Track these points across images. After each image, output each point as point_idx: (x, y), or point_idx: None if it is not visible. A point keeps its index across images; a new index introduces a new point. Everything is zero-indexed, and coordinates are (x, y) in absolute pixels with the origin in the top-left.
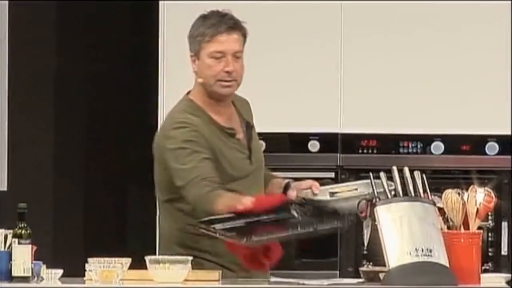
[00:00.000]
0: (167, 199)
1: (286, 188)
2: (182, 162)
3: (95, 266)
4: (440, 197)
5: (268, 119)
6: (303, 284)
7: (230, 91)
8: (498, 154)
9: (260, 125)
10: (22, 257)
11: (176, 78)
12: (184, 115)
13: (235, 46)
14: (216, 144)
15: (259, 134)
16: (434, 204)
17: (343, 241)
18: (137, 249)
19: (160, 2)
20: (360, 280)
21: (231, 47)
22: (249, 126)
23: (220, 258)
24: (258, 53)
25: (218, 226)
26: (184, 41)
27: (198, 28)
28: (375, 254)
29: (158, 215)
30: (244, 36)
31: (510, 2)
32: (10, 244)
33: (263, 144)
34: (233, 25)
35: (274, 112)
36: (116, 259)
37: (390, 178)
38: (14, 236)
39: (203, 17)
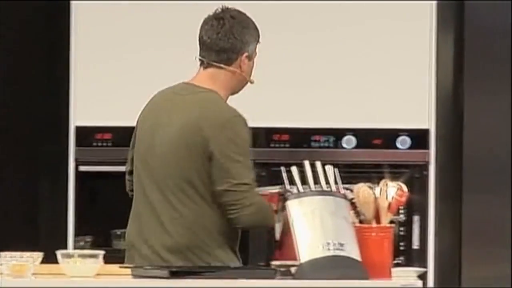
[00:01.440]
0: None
1: None
2: (249, 161)
3: (6, 260)
4: (352, 191)
5: None
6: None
7: None
8: (409, 148)
9: None
10: None
11: (86, 74)
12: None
13: None
14: None
15: None
16: (346, 198)
17: (254, 235)
18: (49, 243)
19: (72, 2)
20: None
21: None
22: None
23: None
24: None
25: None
26: (95, 38)
27: (257, 30)
28: (287, 248)
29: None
30: None
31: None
32: None
33: None
34: None
35: None
36: (28, 253)
37: (302, 172)
38: None
39: (251, 19)
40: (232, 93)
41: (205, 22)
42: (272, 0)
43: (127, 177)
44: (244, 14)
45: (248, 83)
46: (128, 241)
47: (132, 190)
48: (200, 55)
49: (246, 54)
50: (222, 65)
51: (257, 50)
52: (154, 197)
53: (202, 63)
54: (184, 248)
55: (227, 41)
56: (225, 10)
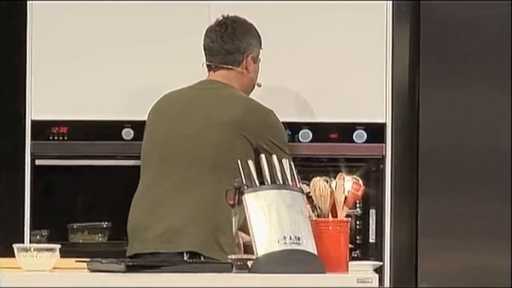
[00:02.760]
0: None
1: None
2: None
3: None
4: (309, 185)
5: None
6: None
7: None
8: (366, 142)
9: None
10: None
11: (43, 68)
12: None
13: None
14: None
15: None
16: (302, 192)
17: None
18: (5, 237)
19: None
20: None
21: None
22: None
23: None
24: None
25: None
26: (51, 31)
27: (258, 35)
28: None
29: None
30: None
31: None
32: None
33: None
34: None
35: None
36: None
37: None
38: None
39: (252, 24)
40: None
41: (209, 30)
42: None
43: None
44: (245, 20)
45: (256, 87)
46: (136, 225)
47: None
48: (207, 60)
49: (251, 55)
50: (229, 66)
51: (260, 56)
52: (172, 181)
53: (210, 68)
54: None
55: (231, 43)
56: (226, 17)
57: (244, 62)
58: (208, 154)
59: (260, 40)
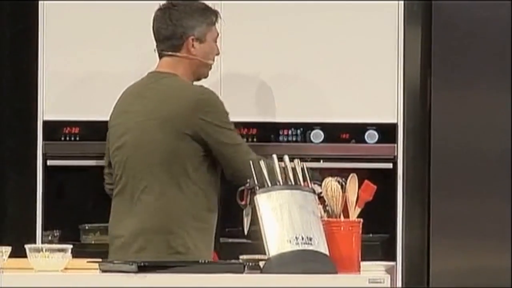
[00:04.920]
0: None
1: None
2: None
3: None
4: (320, 185)
5: None
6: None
7: None
8: (377, 142)
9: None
10: None
11: (55, 68)
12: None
13: None
14: None
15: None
16: (314, 192)
17: (223, 230)
18: (17, 237)
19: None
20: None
21: None
22: None
23: None
24: None
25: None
26: (63, 31)
27: (204, 13)
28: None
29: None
30: None
31: None
32: None
33: None
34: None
35: None
36: None
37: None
38: None
39: (196, 4)
40: (198, 78)
41: (154, 17)
42: None
43: (105, 171)
44: (188, 2)
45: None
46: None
47: (110, 184)
48: (156, 46)
49: (192, 37)
50: (170, 52)
51: (215, 30)
52: (126, 188)
53: (158, 54)
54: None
55: (166, 29)
56: (169, 1)
57: (185, 45)
58: (154, 159)
59: (209, 17)
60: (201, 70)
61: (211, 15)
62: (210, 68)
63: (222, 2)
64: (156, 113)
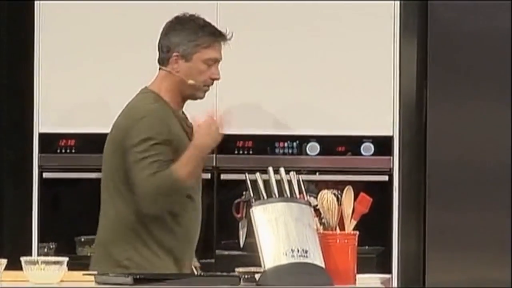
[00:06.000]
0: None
1: None
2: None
3: None
4: (316, 197)
5: None
6: None
7: (205, 95)
8: (373, 154)
9: None
10: None
11: (50, 81)
12: (148, 106)
13: (222, 55)
14: (177, 135)
15: None
16: (310, 204)
17: (218, 243)
18: (13, 250)
19: (36, 2)
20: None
21: (221, 56)
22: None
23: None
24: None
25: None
26: (59, 43)
27: (196, 32)
28: (252, 255)
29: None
30: None
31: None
32: None
33: None
34: (225, 36)
35: None
36: None
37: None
38: None
39: (197, 20)
40: (185, 98)
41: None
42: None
43: None
44: (187, 17)
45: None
46: None
47: None
48: None
49: (177, 54)
50: (159, 65)
51: (211, 53)
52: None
53: None
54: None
55: (159, 41)
56: (182, 14)
57: (171, 60)
58: (104, 175)
59: (199, 38)
60: (185, 89)
61: (206, 36)
62: (200, 90)
63: (219, 9)
64: (112, 130)
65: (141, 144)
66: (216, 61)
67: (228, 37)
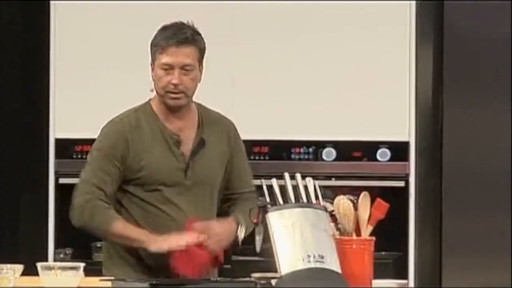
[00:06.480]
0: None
1: None
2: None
3: None
4: (332, 203)
5: None
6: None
7: (178, 102)
8: (389, 160)
9: None
10: None
11: (66, 86)
12: (117, 117)
13: (184, 59)
14: (148, 145)
15: None
16: (326, 210)
17: (235, 248)
18: (29, 255)
19: (51, 2)
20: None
21: (180, 60)
22: (201, 143)
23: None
24: None
25: None
26: (75, 48)
27: (156, 37)
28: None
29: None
30: (200, 49)
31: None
32: None
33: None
34: (184, 39)
35: None
36: (8, 265)
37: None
38: None
39: (163, 28)
40: (165, 104)
41: None
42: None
43: None
44: (166, 26)
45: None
46: None
47: None
48: None
49: (150, 62)
50: None
51: (164, 57)
52: None
53: None
54: None
55: None
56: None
57: (151, 72)
58: None
59: (154, 42)
60: (160, 98)
61: (161, 41)
62: (166, 97)
63: (234, 15)
64: None
65: (93, 151)
66: (172, 66)
67: (187, 40)
